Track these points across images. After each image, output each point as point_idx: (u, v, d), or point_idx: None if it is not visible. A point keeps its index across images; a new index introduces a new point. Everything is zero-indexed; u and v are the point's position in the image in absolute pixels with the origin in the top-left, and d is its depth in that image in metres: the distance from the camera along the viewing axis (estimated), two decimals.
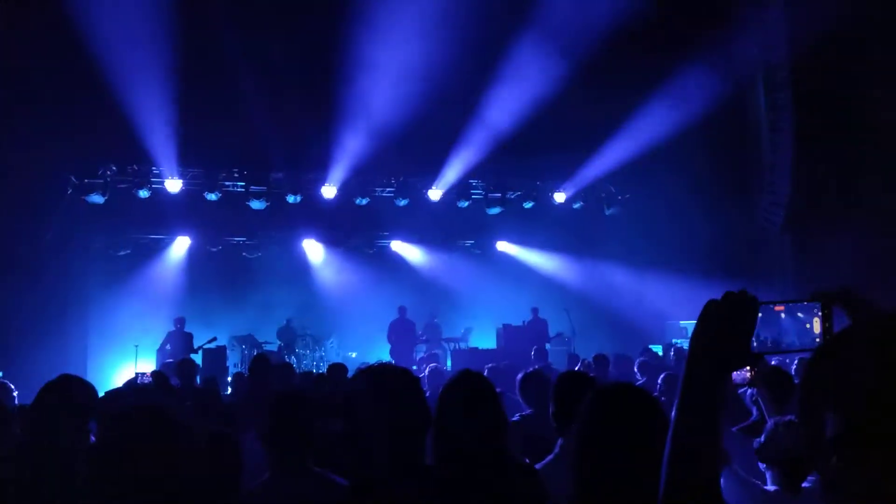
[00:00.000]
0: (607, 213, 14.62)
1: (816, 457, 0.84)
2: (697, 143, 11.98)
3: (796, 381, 3.97)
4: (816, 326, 1.23)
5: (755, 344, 1.16)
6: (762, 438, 2.67)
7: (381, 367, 1.98)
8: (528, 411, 4.13)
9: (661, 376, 5.48)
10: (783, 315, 1.24)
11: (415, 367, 10.84)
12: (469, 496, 1.81)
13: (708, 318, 1.12)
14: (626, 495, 1.56)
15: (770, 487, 2.60)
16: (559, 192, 14.33)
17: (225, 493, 2.15)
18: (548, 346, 12.19)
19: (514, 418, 4.05)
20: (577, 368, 7.48)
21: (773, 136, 10.98)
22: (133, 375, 9.65)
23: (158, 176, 12.60)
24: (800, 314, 1.24)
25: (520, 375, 4.33)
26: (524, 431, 3.87)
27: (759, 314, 1.16)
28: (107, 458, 1.50)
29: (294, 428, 2.26)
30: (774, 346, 1.22)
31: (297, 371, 8.28)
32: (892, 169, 9.22)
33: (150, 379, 6.31)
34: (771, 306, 1.23)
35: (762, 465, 2.66)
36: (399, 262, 15.33)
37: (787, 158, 10.42)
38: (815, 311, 1.24)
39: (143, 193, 12.61)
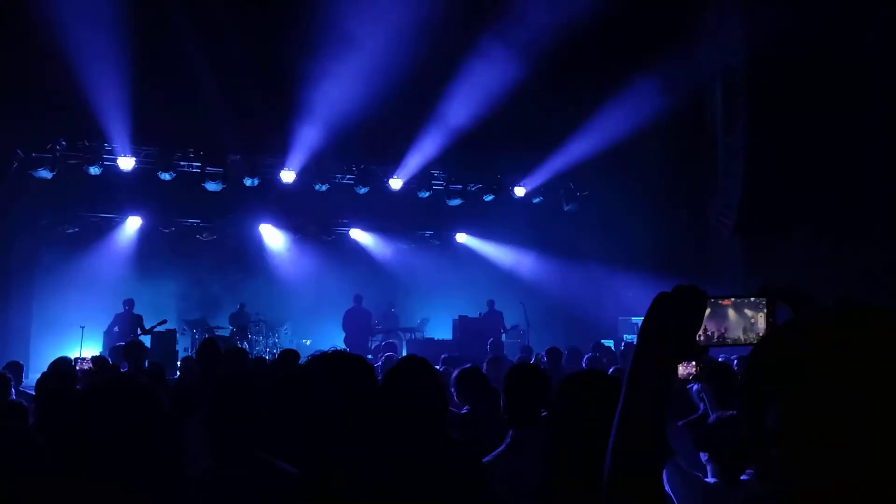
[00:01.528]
0: (566, 208, 14.78)
1: (755, 448, 0.85)
2: (655, 145, 12.20)
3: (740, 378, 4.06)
4: (761, 322, 1.26)
5: (701, 337, 1.18)
6: (702, 430, 2.73)
7: (334, 354, 1.95)
8: (465, 410, 4.03)
9: (610, 370, 5.57)
10: (730, 311, 1.26)
11: (370, 357, 10.82)
12: (410, 480, 1.81)
13: (656, 311, 1.13)
14: (597, 482, 1.57)
15: (710, 480, 2.66)
16: (519, 186, 14.41)
17: (163, 479, 2.09)
18: (503, 338, 12.29)
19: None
20: (532, 361, 7.56)
21: (728, 140, 11.21)
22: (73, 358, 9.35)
23: (111, 153, 12.20)
24: (746, 311, 1.27)
25: (455, 373, 4.20)
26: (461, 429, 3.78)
27: (707, 308, 1.18)
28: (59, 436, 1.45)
29: (237, 412, 2.18)
30: (720, 340, 1.24)
31: (251, 357, 8.16)
32: (841, 175, 9.52)
33: (91, 365, 6.14)
34: (719, 301, 1.25)
35: (703, 458, 2.72)
36: (357, 251, 15.23)
37: (740, 163, 10.66)
38: (761, 306, 1.27)
39: (94, 170, 12.20)
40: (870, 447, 0.73)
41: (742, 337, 1.24)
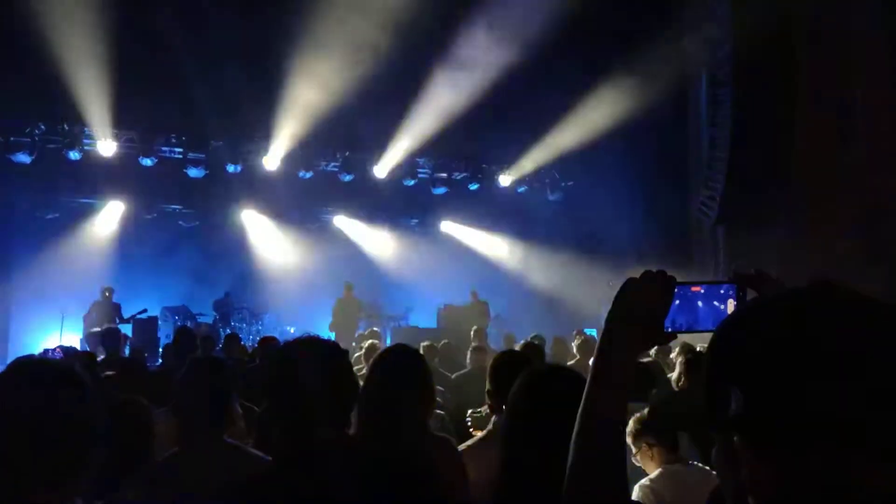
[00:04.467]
0: (550, 198, 14.79)
1: (718, 434, 0.83)
2: (640, 135, 12.22)
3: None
4: (730, 308, 1.25)
5: (669, 327, 1.17)
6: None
7: (309, 339, 1.93)
8: None
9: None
10: (699, 303, 1.25)
11: (353, 344, 10.79)
12: (387, 469, 1.79)
13: (625, 296, 1.12)
14: (549, 473, 1.57)
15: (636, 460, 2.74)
16: (504, 175, 14.39)
17: (133, 463, 2.07)
18: (488, 326, 12.30)
19: None
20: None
21: (712, 132, 11.25)
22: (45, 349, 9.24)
23: (91, 137, 12.02)
24: (715, 302, 1.25)
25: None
26: None
27: (677, 294, 1.17)
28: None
29: (206, 396, 2.14)
30: (689, 327, 1.23)
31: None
32: (824, 167, 9.59)
33: (61, 355, 6.08)
34: (688, 287, 1.24)
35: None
36: (341, 239, 15.15)
37: (724, 153, 10.70)
38: (731, 292, 1.26)
39: (74, 155, 12.02)
40: (838, 434, 0.69)
41: (711, 325, 1.23)
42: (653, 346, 1.16)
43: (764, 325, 0.77)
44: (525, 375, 1.84)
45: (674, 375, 4.38)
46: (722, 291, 1.25)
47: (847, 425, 0.69)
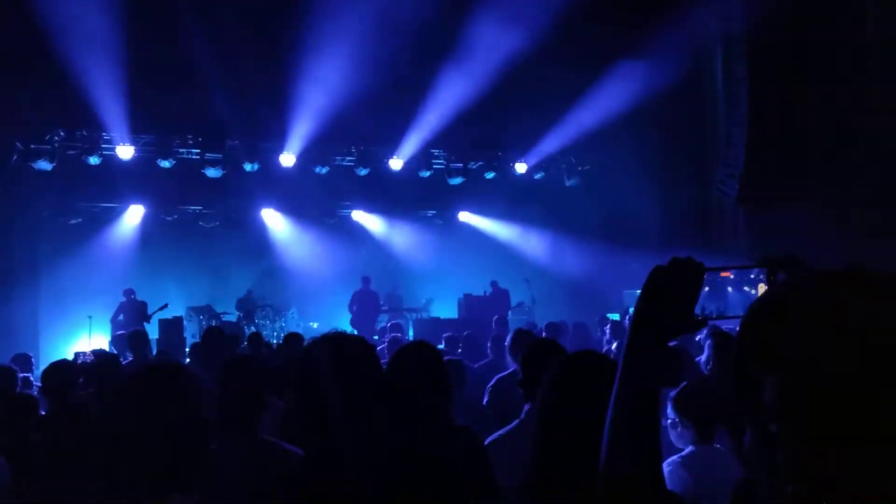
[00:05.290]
0: (567, 183, 14.69)
1: (749, 422, 0.82)
2: (657, 115, 12.08)
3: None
4: (761, 293, 1.24)
5: (699, 314, 1.16)
6: (680, 395, 2.76)
7: (337, 335, 1.95)
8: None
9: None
10: (729, 288, 1.23)
11: (376, 338, 10.85)
12: (412, 462, 1.81)
13: (653, 284, 1.11)
14: (584, 459, 1.57)
15: (686, 449, 2.72)
16: (520, 162, 14.33)
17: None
18: (509, 315, 12.29)
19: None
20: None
21: (730, 109, 11.10)
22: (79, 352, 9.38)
23: (109, 142, 12.16)
24: (746, 287, 1.24)
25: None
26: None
27: (706, 280, 1.16)
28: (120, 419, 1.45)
29: (240, 392, 2.18)
30: (719, 313, 1.21)
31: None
32: (843, 141, 9.43)
33: (92, 358, 6.17)
34: (717, 273, 1.22)
35: (667, 422, 2.75)
36: (360, 232, 15.21)
37: (743, 130, 10.56)
38: (761, 277, 1.25)
39: (94, 160, 12.16)
40: (882, 422, 0.67)
41: (742, 311, 1.22)
42: (682, 334, 1.15)
43: (798, 309, 0.75)
44: (558, 363, 1.84)
45: (703, 358, 4.35)
46: (752, 276, 1.24)
47: (883, 414, 0.68)
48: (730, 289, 1.22)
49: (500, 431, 2.87)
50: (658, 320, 1.09)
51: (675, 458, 2.68)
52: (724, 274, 1.23)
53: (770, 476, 0.77)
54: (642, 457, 1.05)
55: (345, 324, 12.48)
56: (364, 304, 12.91)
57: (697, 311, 1.14)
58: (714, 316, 1.21)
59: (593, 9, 10.25)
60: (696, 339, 5.60)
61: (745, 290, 1.23)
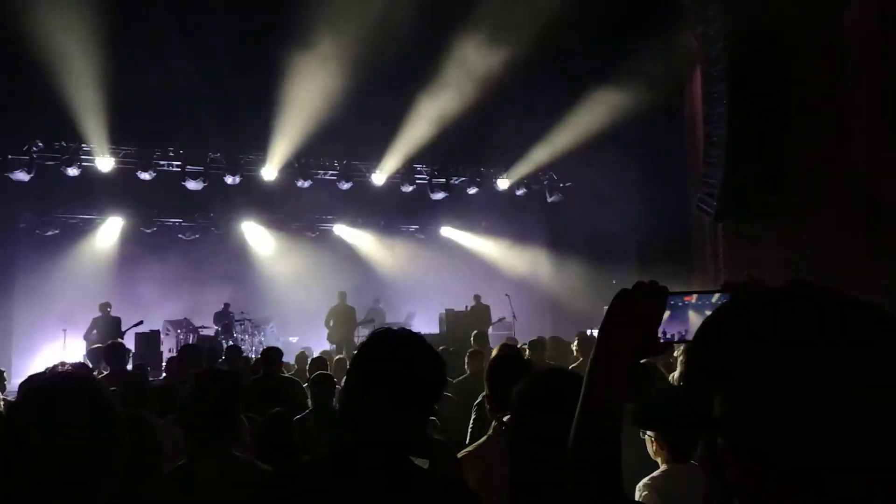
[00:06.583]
0: (549, 200, 14.79)
1: (701, 436, 0.82)
2: (637, 133, 12.22)
3: None
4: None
5: (661, 338, 1.16)
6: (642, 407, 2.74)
7: (399, 332, 1.80)
8: None
9: None
10: (691, 312, 1.24)
11: (356, 352, 10.76)
12: (385, 475, 1.79)
13: (617, 307, 1.12)
14: (557, 474, 1.57)
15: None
16: (503, 178, 14.40)
17: (141, 477, 2.06)
18: (489, 330, 12.28)
19: None
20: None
21: (709, 128, 11.25)
22: (52, 365, 9.21)
23: (89, 153, 12.05)
24: (707, 311, 1.24)
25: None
26: None
27: (669, 304, 1.17)
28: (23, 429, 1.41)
29: (211, 407, 2.12)
30: (680, 337, 1.22)
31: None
32: (823, 161, 9.58)
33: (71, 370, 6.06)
34: (680, 296, 1.23)
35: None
36: (342, 247, 15.16)
37: (722, 149, 10.69)
38: (723, 301, 1.25)
39: (73, 171, 12.05)
40: (817, 440, 0.68)
41: None
42: (647, 356, 1.16)
43: (741, 326, 0.76)
44: (527, 380, 1.84)
45: (675, 374, 4.37)
46: (714, 300, 1.24)
47: (827, 428, 0.68)
48: (691, 312, 1.23)
49: (470, 447, 2.87)
50: (622, 342, 1.10)
51: (645, 479, 2.66)
52: (687, 298, 1.23)
53: (720, 491, 0.78)
54: (603, 471, 1.05)
55: (322, 339, 12.41)
56: (341, 319, 12.80)
57: (660, 335, 1.15)
58: (676, 340, 1.21)
59: (575, 28, 10.38)
60: (675, 354, 5.64)
61: (706, 315, 1.23)
